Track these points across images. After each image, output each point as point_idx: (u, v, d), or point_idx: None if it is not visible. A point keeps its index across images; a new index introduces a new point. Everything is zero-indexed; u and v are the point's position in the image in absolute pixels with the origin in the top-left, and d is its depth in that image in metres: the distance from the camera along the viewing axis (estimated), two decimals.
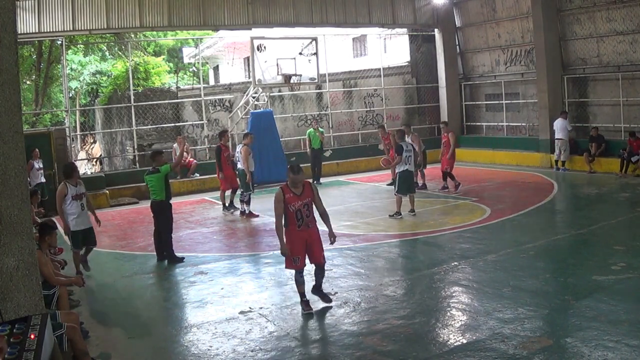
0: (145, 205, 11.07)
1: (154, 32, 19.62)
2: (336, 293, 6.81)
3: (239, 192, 12.48)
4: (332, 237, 6.38)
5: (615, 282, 6.54)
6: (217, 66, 30.23)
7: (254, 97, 16.82)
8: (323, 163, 16.53)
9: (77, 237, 8.02)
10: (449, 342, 5.34)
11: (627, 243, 8.26)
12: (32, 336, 3.59)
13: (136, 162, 16.41)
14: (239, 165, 12.03)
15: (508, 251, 8.21)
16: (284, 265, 8.23)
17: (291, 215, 6.22)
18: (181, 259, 8.74)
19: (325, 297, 6.44)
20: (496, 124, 19.18)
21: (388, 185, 14.33)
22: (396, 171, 11.07)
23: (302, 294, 6.36)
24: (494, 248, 8.43)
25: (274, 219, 11.32)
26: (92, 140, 25.37)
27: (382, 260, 8.36)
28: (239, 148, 12.13)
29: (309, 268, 6.46)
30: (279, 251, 6.36)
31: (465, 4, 19.52)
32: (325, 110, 18.96)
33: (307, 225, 6.27)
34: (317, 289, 6.48)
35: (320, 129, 16.60)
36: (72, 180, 8.03)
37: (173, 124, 17.03)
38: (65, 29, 14.55)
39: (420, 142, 14.06)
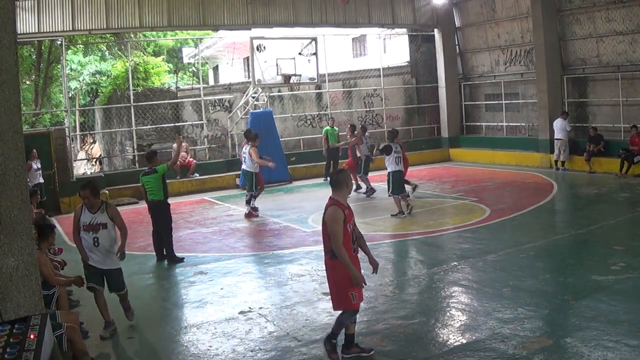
0: (145, 205, 11.05)
1: (154, 32, 19.65)
2: None
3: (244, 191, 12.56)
4: (375, 266, 5.23)
5: (615, 282, 6.55)
6: (217, 66, 30.23)
7: (253, 97, 16.82)
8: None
9: (87, 270, 6.18)
10: (448, 342, 5.34)
11: (626, 243, 8.26)
12: (32, 336, 3.59)
13: (136, 162, 16.41)
14: (244, 166, 12.12)
15: (508, 251, 8.21)
16: (283, 265, 8.33)
17: (348, 238, 4.88)
18: (181, 259, 8.74)
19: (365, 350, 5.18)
20: (496, 124, 19.18)
21: (354, 190, 13.63)
22: (388, 170, 11.08)
23: (336, 336, 5.10)
24: (493, 248, 8.43)
25: (273, 219, 11.52)
26: (91, 141, 25.38)
27: (381, 260, 8.32)
28: (246, 149, 12.15)
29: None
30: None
31: (464, 4, 19.52)
32: (325, 110, 18.97)
33: (356, 250, 5.08)
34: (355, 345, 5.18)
35: (335, 127, 16.65)
36: (92, 206, 6.09)
37: (173, 124, 17.03)
38: (65, 29, 14.54)
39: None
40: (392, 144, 11.14)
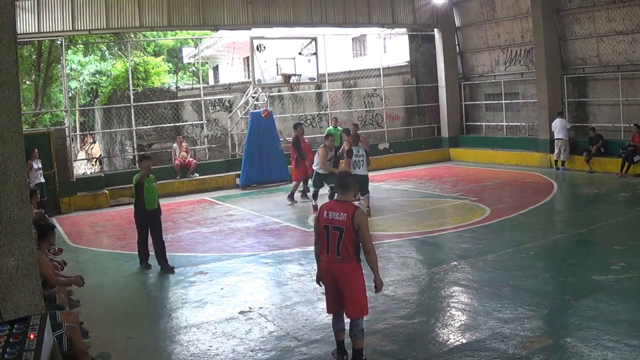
0: None
1: (154, 32, 19.63)
2: None
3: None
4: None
5: (615, 282, 6.55)
6: (217, 66, 30.24)
7: (253, 97, 16.82)
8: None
9: None
10: (448, 342, 5.34)
11: (627, 243, 8.25)
12: (32, 336, 3.59)
13: (136, 162, 16.38)
14: (314, 167, 12.30)
15: (508, 251, 8.21)
16: (283, 265, 8.33)
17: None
18: (147, 264, 8.54)
19: None
20: (496, 123, 19.18)
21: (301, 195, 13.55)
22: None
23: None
24: (493, 248, 8.43)
25: (273, 219, 11.52)
26: (91, 140, 25.37)
27: (381, 260, 8.29)
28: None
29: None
30: (374, 279, 4.91)
31: (464, 4, 19.51)
32: (325, 110, 18.97)
33: None
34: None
35: (338, 127, 16.61)
36: None
37: (173, 124, 17.03)
38: (65, 29, 14.53)
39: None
40: (353, 148, 11.21)
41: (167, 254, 8.54)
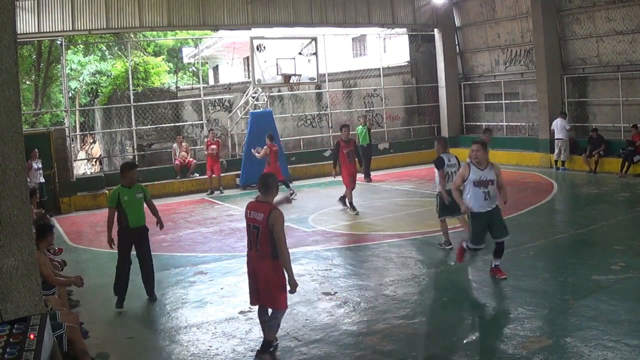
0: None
1: (154, 32, 19.64)
2: (336, 293, 6.82)
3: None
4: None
5: (615, 282, 6.54)
6: (217, 66, 30.24)
7: (253, 97, 16.82)
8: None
9: None
10: (448, 342, 5.34)
11: (627, 243, 8.25)
12: (32, 336, 3.59)
13: (136, 162, 16.40)
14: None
15: (508, 251, 8.14)
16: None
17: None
18: (120, 305, 6.89)
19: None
20: (496, 123, 19.17)
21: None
22: (438, 190, 8.80)
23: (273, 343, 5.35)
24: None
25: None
26: (91, 140, 25.37)
27: (382, 260, 8.35)
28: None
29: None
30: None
31: (464, 4, 19.52)
32: (325, 110, 18.97)
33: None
34: None
35: (366, 125, 16.50)
36: None
37: (173, 124, 17.03)
38: (65, 29, 14.54)
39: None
40: (443, 155, 8.81)
41: (166, 254, 8.44)
